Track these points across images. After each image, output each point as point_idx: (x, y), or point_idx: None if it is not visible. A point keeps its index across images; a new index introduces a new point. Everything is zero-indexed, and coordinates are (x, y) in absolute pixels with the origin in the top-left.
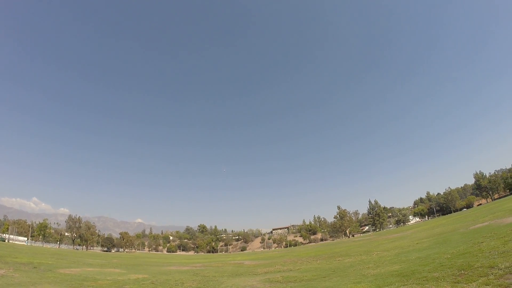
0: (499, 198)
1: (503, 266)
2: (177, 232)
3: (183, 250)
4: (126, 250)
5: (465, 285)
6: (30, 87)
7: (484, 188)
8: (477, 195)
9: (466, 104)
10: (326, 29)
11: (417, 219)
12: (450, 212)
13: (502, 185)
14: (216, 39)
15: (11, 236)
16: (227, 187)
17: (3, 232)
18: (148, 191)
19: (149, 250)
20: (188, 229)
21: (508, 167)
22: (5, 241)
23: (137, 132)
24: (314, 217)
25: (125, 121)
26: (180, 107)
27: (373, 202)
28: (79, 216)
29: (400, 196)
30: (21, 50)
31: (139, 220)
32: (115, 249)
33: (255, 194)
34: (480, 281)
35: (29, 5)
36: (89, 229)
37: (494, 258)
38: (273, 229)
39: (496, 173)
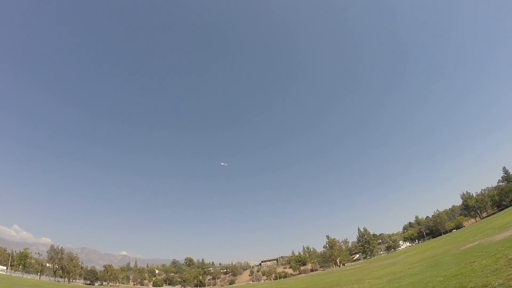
0: (488, 216)
1: (496, 284)
2: (163, 265)
3: (169, 284)
4: (110, 283)
5: None
6: (12, 113)
7: (472, 207)
8: (465, 215)
9: (447, 124)
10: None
11: (408, 243)
12: (440, 234)
13: (489, 203)
14: (196, 68)
15: None
16: (214, 219)
17: None
18: (133, 223)
19: (134, 284)
20: (174, 262)
21: (494, 185)
22: None
23: (122, 162)
24: (303, 248)
25: (109, 151)
26: (164, 137)
27: (362, 230)
28: (62, 247)
29: (389, 222)
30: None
31: (124, 253)
32: (99, 282)
33: (243, 226)
34: None
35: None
36: (72, 260)
37: (487, 276)
38: (262, 261)
39: (482, 192)
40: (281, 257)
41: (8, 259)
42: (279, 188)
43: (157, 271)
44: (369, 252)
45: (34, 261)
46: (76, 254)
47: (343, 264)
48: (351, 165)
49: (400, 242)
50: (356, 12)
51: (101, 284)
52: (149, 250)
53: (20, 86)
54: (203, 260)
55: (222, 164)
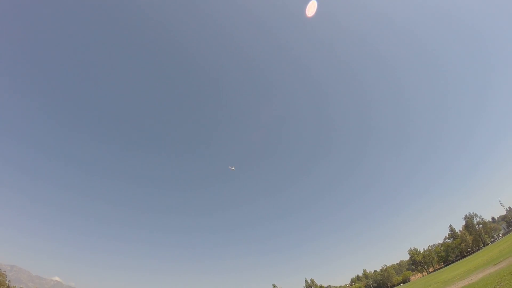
0: (434, 271)
1: None
2: None
3: None
4: None
5: None
6: None
7: (419, 263)
8: (412, 270)
9: (394, 177)
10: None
11: None
12: None
13: (436, 259)
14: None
15: None
16: (156, 256)
17: None
18: (69, 246)
19: None
20: None
21: (440, 242)
22: None
23: (65, 180)
24: None
25: (52, 167)
26: (103, 160)
27: (309, 281)
28: None
29: (337, 273)
30: None
31: (57, 278)
32: None
33: (187, 267)
34: None
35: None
36: None
37: None
38: None
39: (430, 248)
40: None
41: None
42: (222, 232)
43: None
44: None
45: None
46: (4, 271)
47: None
48: (300, 212)
49: None
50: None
51: None
52: (85, 279)
53: None
54: None
55: (230, 168)
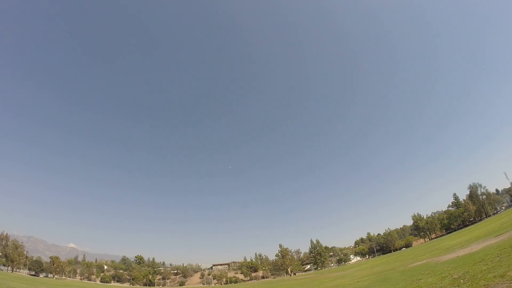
0: (436, 237)
1: None
2: (112, 261)
3: (117, 281)
4: (55, 276)
5: None
6: None
7: (422, 228)
8: (415, 235)
9: (401, 145)
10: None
11: (358, 258)
12: (390, 252)
13: (438, 226)
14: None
15: None
16: (166, 219)
17: None
18: (83, 215)
19: (81, 279)
20: (124, 259)
21: (443, 209)
22: None
23: (76, 150)
24: (256, 255)
25: (63, 137)
26: (121, 127)
27: (314, 242)
28: (7, 234)
29: (342, 235)
30: None
31: (72, 245)
32: (44, 274)
33: (196, 228)
34: None
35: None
36: (17, 249)
37: None
38: (214, 265)
39: (433, 214)
40: (233, 262)
41: None
42: (233, 192)
43: (105, 267)
44: (320, 264)
45: None
46: (22, 243)
47: (294, 274)
48: (307, 175)
49: (351, 256)
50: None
51: (46, 276)
52: (98, 244)
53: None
54: (153, 259)
55: (229, 167)
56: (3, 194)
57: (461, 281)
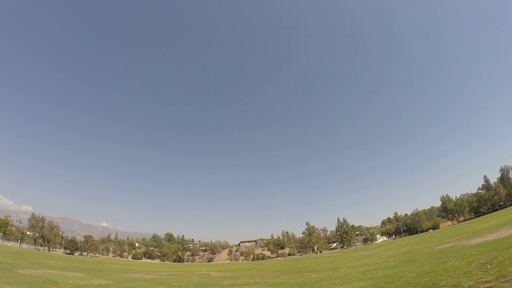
0: (464, 220)
1: (467, 286)
2: (143, 239)
3: (148, 258)
4: (89, 254)
5: None
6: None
7: (450, 210)
8: (443, 217)
9: (434, 126)
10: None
11: (385, 238)
12: (417, 233)
13: (467, 209)
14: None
15: None
16: (195, 197)
17: None
18: (115, 194)
19: (113, 256)
20: (154, 237)
21: (473, 192)
22: None
23: (108, 132)
24: (283, 232)
25: (95, 121)
26: (150, 110)
27: (341, 220)
28: (43, 216)
29: (369, 215)
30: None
31: (105, 224)
32: (78, 252)
33: (224, 205)
34: None
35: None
36: (53, 229)
37: (458, 277)
38: (241, 242)
39: (462, 197)
40: (260, 239)
41: None
42: (262, 170)
43: (137, 244)
44: (347, 242)
45: (14, 228)
46: (57, 223)
47: (320, 252)
48: (336, 155)
49: (378, 235)
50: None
51: (81, 254)
52: (130, 223)
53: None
54: (183, 236)
55: (232, 163)
56: (40, 177)
57: (489, 266)
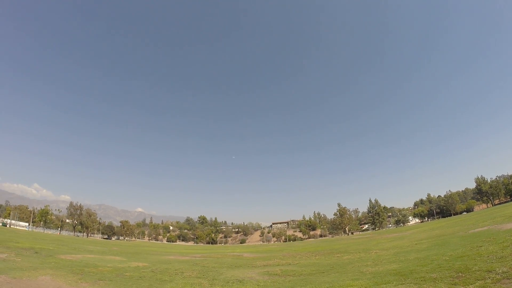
0: (500, 203)
1: (500, 271)
2: (177, 222)
3: (182, 241)
4: (126, 238)
5: (462, 287)
6: (34, 75)
7: (485, 193)
8: (477, 200)
9: (471, 108)
10: (326, 29)
11: (417, 220)
12: (450, 215)
13: (503, 191)
14: (221, 35)
15: (13, 221)
16: (227, 179)
17: (5, 217)
18: (149, 180)
19: (149, 239)
20: (188, 220)
21: (510, 173)
22: (6, 226)
23: (140, 121)
24: (314, 213)
25: (128, 110)
26: (182, 98)
27: (373, 201)
28: (80, 204)
29: (401, 196)
30: (23, 39)
31: (140, 209)
32: (115, 237)
33: (256, 187)
34: (477, 284)
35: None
36: (90, 216)
37: (492, 262)
38: (273, 223)
39: (497, 178)
40: (292, 220)
41: (30, 216)
42: (295, 152)
43: (171, 228)
44: (378, 224)
45: (54, 217)
46: (94, 211)
47: (352, 233)
48: (370, 135)
49: (410, 217)
50: None
51: (118, 239)
52: (163, 207)
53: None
54: (216, 219)
55: (233, 157)
56: (77, 168)
57: None
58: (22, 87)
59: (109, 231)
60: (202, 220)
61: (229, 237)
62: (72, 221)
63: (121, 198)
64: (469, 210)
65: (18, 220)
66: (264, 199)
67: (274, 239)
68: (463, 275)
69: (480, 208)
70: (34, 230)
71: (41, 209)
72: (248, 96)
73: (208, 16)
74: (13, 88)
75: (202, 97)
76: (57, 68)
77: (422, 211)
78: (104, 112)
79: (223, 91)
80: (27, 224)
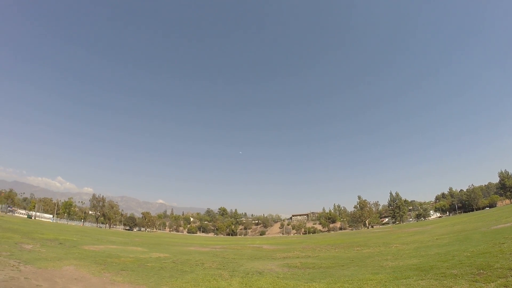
0: None
1: None
2: (197, 213)
3: (203, 232)
4: (147, 229)
5: (483, 284)
6: (55, 68)
7: (508, 188)
8: (501, 195)
9: (496, 101)
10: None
11: (438, 214)
12: (472, 210)
13: None
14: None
15: (38, 214)
16: (247, 171)
17: (30, 210)
18: (170, 172)
19: (170, 231)
20: (208, 211)
21: None
22: (32, 218)
23: (160, 113)
24: (334, 206)
25: (148, 102)
26: (201, 90)
27: (394, 194)
28: (103, 196)
29: (422, 190)
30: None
31: (161, 201)
32: (137, 228)
33: (276, 179)
34: (498, 282)
35: None
36: (112, 208)
37: None
38: (293, 215)
39: None
40: (312, 212)
41: (54, 208)
42: (314, 144)
43: (191, 219)
44: (399, 218)
45: (77, 209)
46: (116, 202)
47: (372, 226)
48: (390, 128)
49: (431, 211)
50: None
51: (139, 230)
52: (184, 198)
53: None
54: (236, 210)
55: (240, 153)
56: (99, 160)
57: None
58: (46, 82)
59: (131, 223)
60: (222, 212)
61: (248, 228)
62: (95, 213)
63: (142, 190)
64: (492, 205)
65: (42, 212)
66: (284, 191)
67: (294, 231)
68: (485, 272)
69: (503, 203)
70: (58, 222)
71: (64, 201)
72: (264, 86)
73: (227, 13)
74: (35, 81)
75: (221, 88)
76: (76, 61)
77: (444, 205)
78: (125, 105)
79: (242, 81)
80: (51, 216)
